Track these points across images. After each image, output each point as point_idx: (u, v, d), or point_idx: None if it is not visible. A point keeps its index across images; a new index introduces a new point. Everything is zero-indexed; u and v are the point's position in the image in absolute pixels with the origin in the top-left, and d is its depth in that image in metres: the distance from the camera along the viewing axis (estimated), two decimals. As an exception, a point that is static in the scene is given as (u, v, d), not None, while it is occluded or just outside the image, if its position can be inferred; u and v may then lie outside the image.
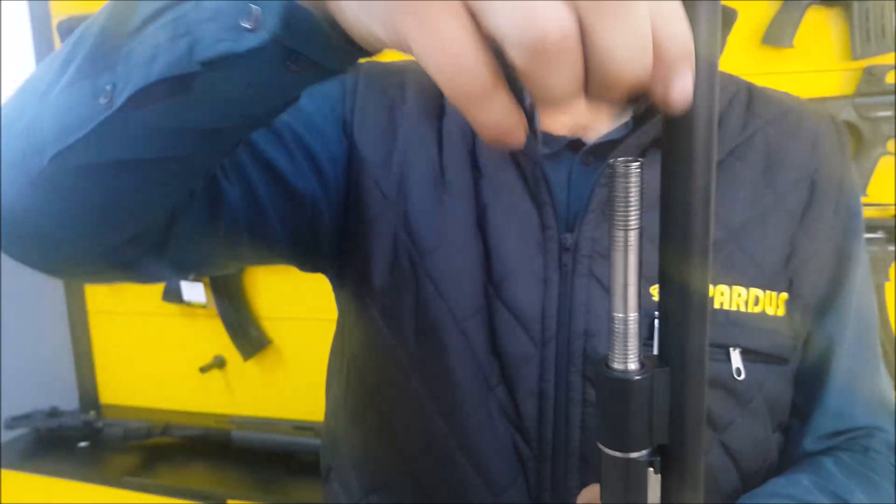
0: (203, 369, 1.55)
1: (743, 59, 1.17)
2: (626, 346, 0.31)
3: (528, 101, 0.48)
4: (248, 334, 1.54)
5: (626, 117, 0.57)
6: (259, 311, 1.56)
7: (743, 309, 0.56)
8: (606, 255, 0.52)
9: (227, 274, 1.51)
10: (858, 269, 0.61)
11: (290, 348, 1.56)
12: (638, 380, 0.30)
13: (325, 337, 1.44)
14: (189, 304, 1.57)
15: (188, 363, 1.59)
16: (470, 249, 0.56)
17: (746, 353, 0.55)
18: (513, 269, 0.55)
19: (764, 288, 0.56)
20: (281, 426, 1.44)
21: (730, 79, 0.63)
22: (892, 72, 1.13)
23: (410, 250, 0.57)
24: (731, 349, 0.54)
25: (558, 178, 0.56)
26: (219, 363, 1.59)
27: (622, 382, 0.30)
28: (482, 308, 0.55)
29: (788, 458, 0.60)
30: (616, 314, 0.31)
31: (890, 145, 1.12)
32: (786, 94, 0.65)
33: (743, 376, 0.55)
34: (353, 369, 0.63)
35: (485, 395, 0.54)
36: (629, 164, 0.30)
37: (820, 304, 0.59)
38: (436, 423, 0.56)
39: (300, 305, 1.53)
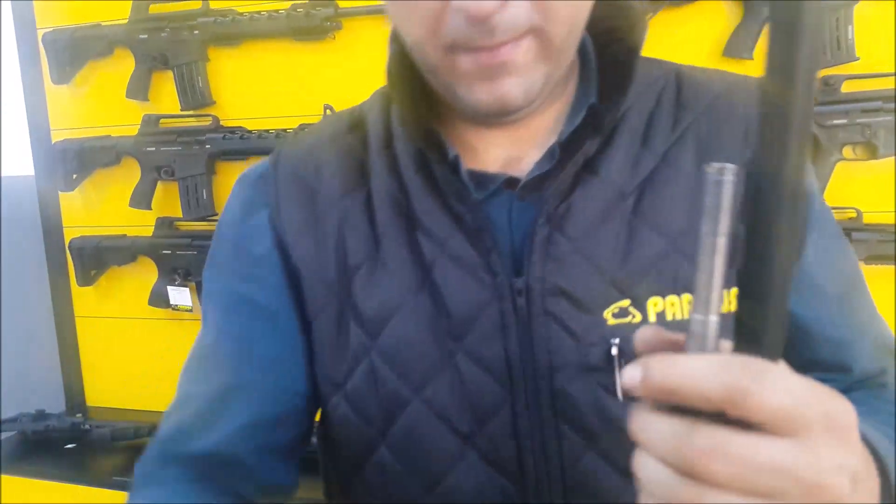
0: (189, 372, 1.58)
1: (707, 69, 1.22)
2: (703, 348, 0.31)
3: (451, 154, 0.51)
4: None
5: (550, 142, 0.56)
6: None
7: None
8: (558, 293, 0.53)
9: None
10: (810, 244, 0.59)
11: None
12: None
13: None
14: (175, 308, 1.60)
15: (174, 366, 1.60)
16: (421, 313, 0.55)
17: None
18: (470, 320, 0.54)
19: None
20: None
21: (658, 66, 0.60)
22: (847, 82, 1.20)
23: (360, 335, 0.56)
24: None
25: (499, 220, 0.55)
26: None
27: None
28: (446, 365, 0.54)
29: None
30: (696, 316, 0.31)
31: (846, 152, 1.18)
32: (717, 74, 0.61)
33: None
34: (329, 446, 0.63)
35: (461, 449, 0.54)
36: (723, 170, 0.29)
37: None
38: (418, 494, 0.56)
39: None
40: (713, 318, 0.30)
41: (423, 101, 0.57)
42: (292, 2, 1.45)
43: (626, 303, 0.53)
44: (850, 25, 1.17)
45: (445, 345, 0.54)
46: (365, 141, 0.60)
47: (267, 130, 1.48)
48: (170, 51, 1.52)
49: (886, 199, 1.20)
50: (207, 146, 1.51)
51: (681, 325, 0.51)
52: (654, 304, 0.53)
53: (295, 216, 0.59)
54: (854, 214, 1.19)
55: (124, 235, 1.63)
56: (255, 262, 0.60)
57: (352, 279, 0.56)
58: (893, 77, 1.18)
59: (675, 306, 0.53)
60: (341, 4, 1.42)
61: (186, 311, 1.60)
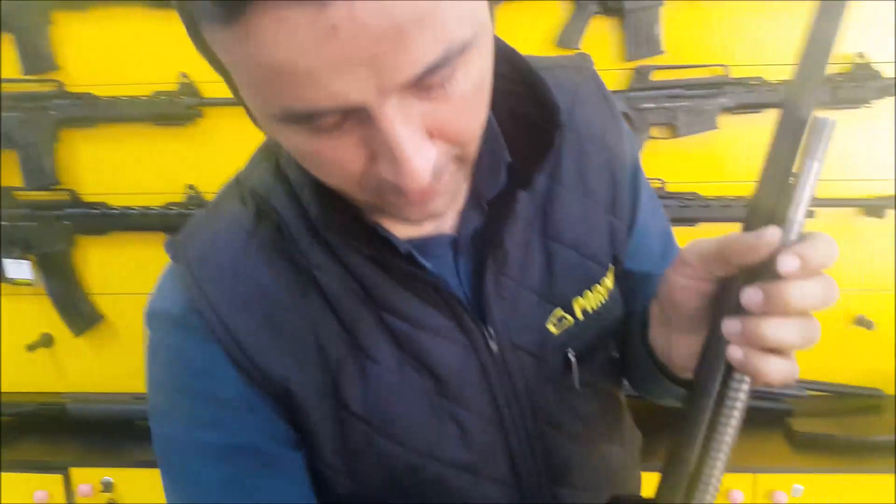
0: (30, 347, 1.52)
1: (542, 56, 1.39)
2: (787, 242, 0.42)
3: (404, 249, 0.54)
4: (79, 310, 1.53)
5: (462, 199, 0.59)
6: (90, 287, 1.56)
7: (601, 301, 0.63)
8: (519, 325, 0.58)
9: (55, 251, 1.50)
10: (641, 208, 0.67)
11: (123, 323, 1.58)
12: None
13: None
14: (13, 282, 1.53)
15: (14, 343, 1.55)
16: (413, 387, 0.57)
17: (614, 333, 0.65)
18: (458, 379, 0.57)
19: (604, 274, 0.63)
20: (118, 397, 1.45)
21: (560, 108, 0.59)
22: (655, 71, 1.40)
23: (360, 424, 0.57)
24: (608, 338, 0.64)
25: (451, 280, 0.58)
26: (46, 341, 1.56)
27: None
28: (446, 422, 0.58)
29: None
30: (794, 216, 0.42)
31: (653, 131, 1.38)
32: (553, 72, 0.62)
33: (616, 353, 0.66)
34: None
35: (473, 481, 0.60)
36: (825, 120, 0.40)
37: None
38: None
39: (132, 280, 1.56)
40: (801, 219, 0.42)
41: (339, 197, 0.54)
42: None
43: (559, 312, 0.60)
44: (657, 23, 1.38)
45: (441, 405, 0.58)
46: (280, 231, 0.56)
47: (118, 97, 1.47)
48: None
49: (685, 171, 1.43)
50: (52, 112, 1.47)
51: (598, 314, 0.62)
52: (578, 304, 0.61)
53: (259, 342, 0.54)
54: (659, 184, 1.40)
55: (-46, 205, 1.54)
56: (223, 405, 0.56)
57: (337, 377, 0.56)
58: (692, 68, 1.41)
59: (590, 299, 0.62)
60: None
61: (25, 284, 1.53)
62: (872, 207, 1.43)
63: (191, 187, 1.49)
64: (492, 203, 0.57)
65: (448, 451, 0.58)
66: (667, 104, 1.38)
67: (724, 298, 0.46)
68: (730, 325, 0.44)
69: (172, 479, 0.59)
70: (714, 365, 0.46)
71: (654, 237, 0.69)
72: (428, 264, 0.55)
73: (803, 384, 1.48)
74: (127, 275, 1.55)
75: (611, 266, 0.64)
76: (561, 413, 0.62)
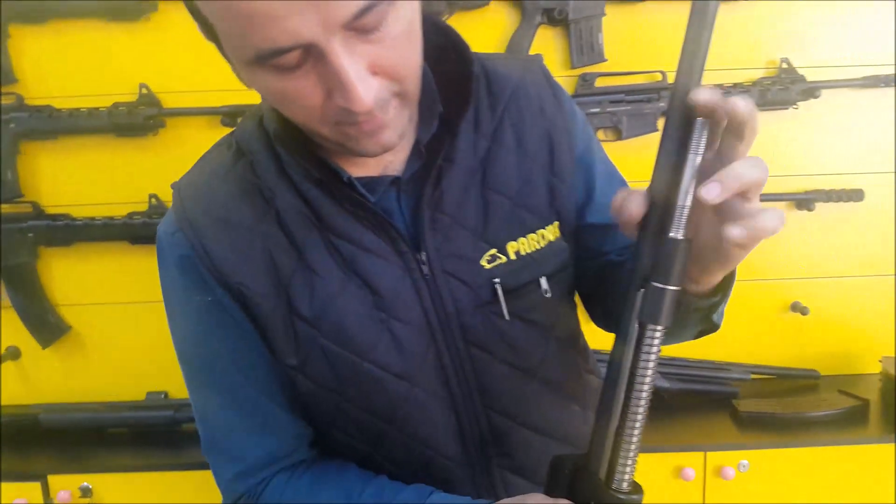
0: (-4, 361, 1.53)
1: (492, 65, 1.45)
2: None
3: (346, 177, 0.65)
4: (45, 322, 1.54)
5: (411, 143, 0.70)
6: (56, 298, 1.58)
7: (536, 248, 0.72)
8: (449, 256, 0.68)
9: (20, 264, 1.51)
10: (598, 151, 0.79)
11: (90, 333, 1.59)
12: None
13: (126, 320, 1.54)
14: (-23, 298, 1.54)
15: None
16: (354, 298, 0.68)
17: (549, 277, 0.73)
18: (393, 293, 0.68)
19: (543, 226, 0.73)
20: (89, 406, 1.48)
21: (473, 62, 0.71)
22: (599, 78, 1.48)
23: (305, 328, 0.67)
24: (540, 278, 0.72)
25: (393, 211, 0.69)
26: (13, 354, 1.57)
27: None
28: (383, 331, 0.68)
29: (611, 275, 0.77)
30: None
31: (599, 134, 1.46)
32: (510, 64, 0.77)
33: (549, 294, 0.73)
34: (304, 411, 0.75)
35: (406, 388, 0.69)
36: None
37: (581, 202, 0.77)
38: (381, 428, 0.71)
39: (98, 290, 1.58)
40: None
41: (306, 141, 0.66)
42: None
43: (493, 251, 0.70)
44: (599, 33, 1.46)
45: (378, 316, 0.68)
46: (252, 168, 0.68)
47: (77, 109, 1.49)
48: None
49: (630, 171, 1.49)
50: (12, 125, 1.48)
51: (531, 257, 0.72)
52: (512, 247, 0.71)
53: (223, 253, 0.67)
54: (607, 184, 1.48)
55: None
56: (214, 306, 0.69)
57: (288, 288, 0.67)
58: (632, 75, 1.50)
59: (524, 244, 0.72)
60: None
61: (-9, 300, 1.54)
62: (803, 201, 1.54)
63: (153, 197, 1.52)
64: (428, 148, 0.68)
65: (383, 356, 0.68)
66: (611, 109, 1.47)
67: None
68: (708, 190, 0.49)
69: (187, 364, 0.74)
70: (628, 317, 0.52)
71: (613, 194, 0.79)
72: (370, 196, 0.66)
73: (746, 368, 1.57)
74: (92, 285, 1.57)
75: (555, 221, 0.74)
76: (488, 337, 0.71)
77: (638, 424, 0.52)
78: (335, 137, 0.59)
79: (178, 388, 1.56)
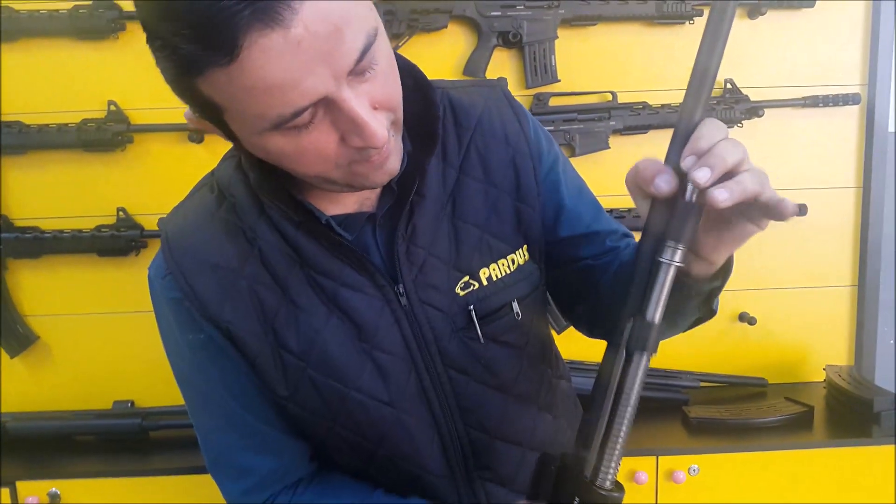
0: (-36, 370, 1.55)
1: (451, 84, 1.50)
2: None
3: (324, 219, 0.68)
4: (14, 332, 1.57)
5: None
6: (24, 309, 1.60)
7: (507, 272, 0.76)
8: (426, 287, 0.72)
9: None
10: (564, 168, 0.81)
11: (58, 343, 1.62)
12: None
13: (94, 330, 1.57)
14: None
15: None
16: (337, 331, 0.71)
17: (519, 300, 0.77)
18: (373, 324, 0.71)
19: (513, 251, 0.77)
20: (57, 414, 1.51)
21: (435, 93, 0.74)
22: (553, 98, 1.54)
23: (293, 360, 0.71)
24: (512, 302, 0.76)
25: (370, 247, 0.73)
26: (-19, 364, 1.59)
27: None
28: (366, 360, 0.72)
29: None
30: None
31: (553, 152, 1.52)
32: (473, 93, 0.79)
33: (521, 316, 0.76)
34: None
35: (392, 413, 0.73)
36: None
37: (551, 220, 0.80)
38: (370, 452, 0.76)
39: (66, 301, 1.60)
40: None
41: (284, 185, 0.69)
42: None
43: (466, 278, 0.74)
44: (552, 55, 1.52)
45: (361, 347, 0.72)
46: (234, 210, 0.71)
47: (47, 125, 1.52)
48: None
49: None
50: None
51: (503, 282, 0.75)
52: (484, 273, 0.75)
53: (211, 295, 0.70)
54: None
55: None
56: (206, 343, 0.72)
57: (274, 324, 0.71)
58: (584, 95, 1.56)
59: (496, 269, 0.76)
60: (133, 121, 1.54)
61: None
62: (748, 215, 1.60)
63: (121, 210, 1.55)
64: (399, 185, 0.71)
65: (367, 384, 0.72)
66: (564, 127, 1.53)
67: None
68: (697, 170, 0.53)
69: (188, 397, 0.78)
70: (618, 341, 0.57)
71: (584, 207, 0.82)
72: (345, 234, 0.70)
73: (696, 376, 1.62)
74: (61, 296, 1.60)
75: (523, 245, 0.78)
76: (465, 360, 0.75)
77: (624, 429, 0.56)
78: (345, 179, 0.62)
79: (144, 397, 1.59)
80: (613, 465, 0.57)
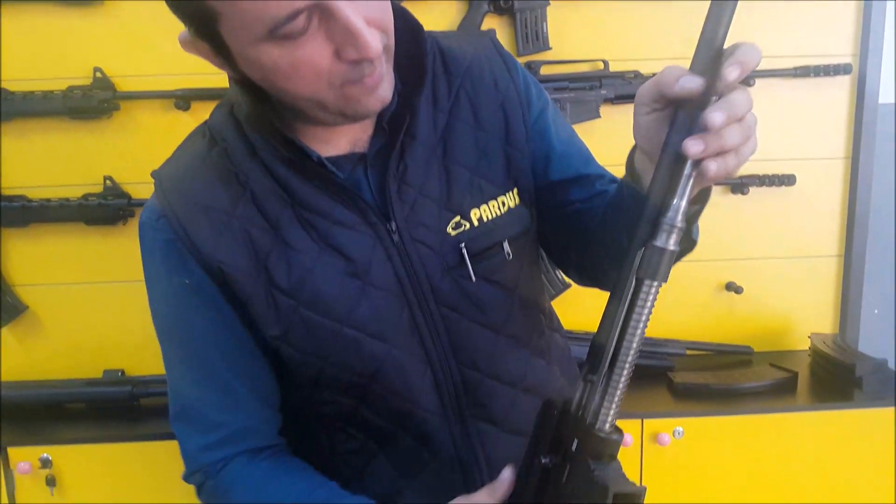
0: (-48, 339, 1.55)
1: (441, 52, 1.49)
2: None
3: (315, 156, 0.69)
4: (2, 302, 1.56)
5: (374, 122, 0.74)
6: (13, 278, 1.60)
7: (498, 214, 0.77)
8: (417, 225, 0.73)
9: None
10: (554, 115, 0.83)
11: (47, 312, 1.62)
12: None
13: (82, 299, 1.57)
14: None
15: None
16: (330, 268, 0.72)
17: (510, 240, 0.78)
18: (366, 261, 0.73)
19: (503, 193, 0.78)
20: (47, 383, 1.51)
21: (425, 34, 0.76)
22: (544, 66, 1.53)
23: (285, 300, 0.72)
24: (503, 242, 0.78)
25: (362, 186, 0.74)
26: (-31, 333, 1.59)
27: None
28: (360, 296, 0.73)
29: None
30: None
31: (543, 121, 1.51)
32: (463, 40, 0.82)
33: (511, 257, 0.78)
34: (286, 378, 0.80)
35: (384, 348, 0.74)
36: None
37: (541, 165, 0.81)
38: (364, 387, 0.76)
39: (54, 270, 1.60)
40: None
41: (276, 122, 0.70)
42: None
43: (458, 218, 0.76)
44: (544, 22, 1.51)
45: (354, 283, 0.73)
46: (226, 154, 0.73)
47: (32, 92, 1.50)
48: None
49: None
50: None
51: (493, 223, 0.77)
52: (475, 213, 0.76)
53: (204, 235, 0.71)
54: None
55: None
56: (194, 289, 0.73)
57: (266, 263, 0.72)
58: (576, 63, 1.55)
59: (487, 211, 0.77)
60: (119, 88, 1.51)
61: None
62: (737, 185, 1.61)
63: (108, 178, 1.54)
64: (390, 125, 0.73)
65: (360, 319, 0.74)
66: (555, 95, 1.52)
67: (672, 128, 0.55)
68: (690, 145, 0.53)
69: (167, 342, 0.79)
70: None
71: (574, 152, 0.84)
72: (338, 172, 0.71)
73: (683, 344, 1.64)
74: (48, 265, 1.59)
75: (514, 188, 0.79)
76: (457, 298, 0.76)
77: (625, 373, 0.56)
78: (338, 103, 0.64)
79: (134, 365, 1.60)
80: (613, 408, 0.57)
